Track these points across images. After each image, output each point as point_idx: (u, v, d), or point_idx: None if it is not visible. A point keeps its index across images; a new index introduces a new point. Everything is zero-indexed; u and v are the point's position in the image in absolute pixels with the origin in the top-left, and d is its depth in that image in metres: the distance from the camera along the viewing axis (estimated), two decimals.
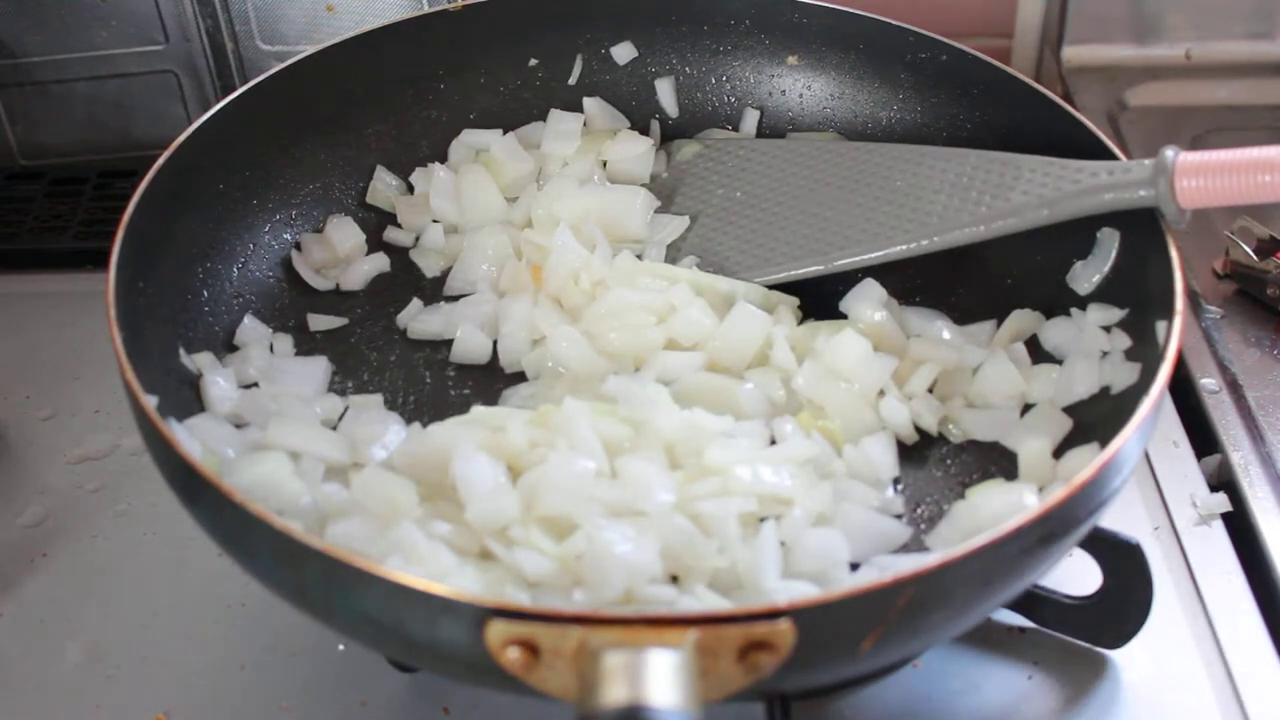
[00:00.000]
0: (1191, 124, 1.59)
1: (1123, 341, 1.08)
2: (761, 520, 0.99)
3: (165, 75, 1.53)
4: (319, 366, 1.17)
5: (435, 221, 1.30)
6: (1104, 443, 0.92)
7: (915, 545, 1.04)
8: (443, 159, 1.33)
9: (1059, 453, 1.06)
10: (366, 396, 1.16)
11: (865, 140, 1.30)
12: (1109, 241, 1.12)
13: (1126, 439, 0.90)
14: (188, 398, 1.09)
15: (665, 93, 1.37)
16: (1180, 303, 0.98)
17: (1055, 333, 1.14)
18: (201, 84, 1.54)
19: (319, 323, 1.23)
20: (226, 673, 1.07)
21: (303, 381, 1.15)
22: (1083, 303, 1.13)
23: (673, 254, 1.26)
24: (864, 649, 0.84)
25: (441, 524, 0.96)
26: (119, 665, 1.08)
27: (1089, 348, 1.10)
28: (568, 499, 0.96)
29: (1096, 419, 1.05)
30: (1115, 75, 1.68)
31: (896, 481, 1.09)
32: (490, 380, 1.19)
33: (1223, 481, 1.20)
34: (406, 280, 1.28)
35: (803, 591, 0.94)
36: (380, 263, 1.28)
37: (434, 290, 1.27)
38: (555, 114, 1.34)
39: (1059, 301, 1.15)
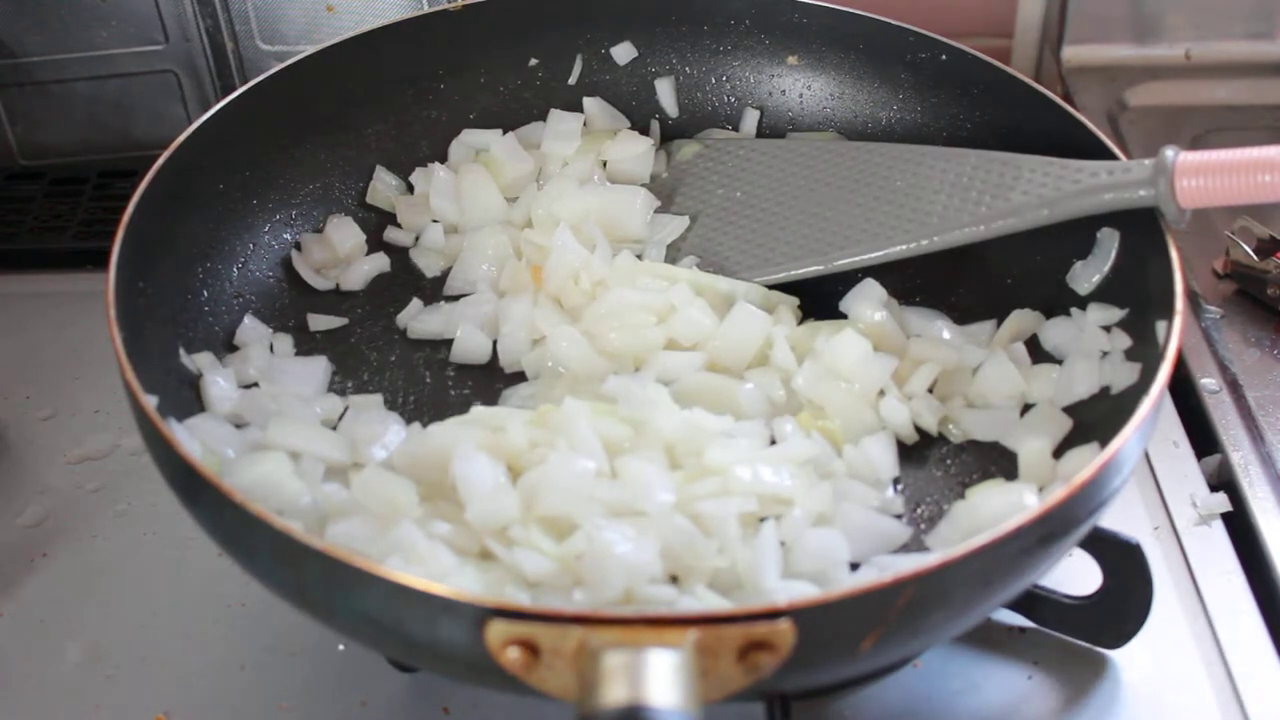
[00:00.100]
0: (1191, 124, 1.59)
1: (1123, 341, 1.08)
2: (761, 520, 0.99)
3: (165, 75, 1.53)
4: (319, 366, 1.17)
5: (435, 221, 1.30)
6: (1104, 443, 0.92)
7: (915, 545, 1.04)
8: (443, 159, 1.33)
9: (1059, 453, 1.06)
10: (366, 396, 1.16)
11: (865, 140, 1.30)
12: (1109, 241, 1.12)
13: (1126, 439, 0.90)
14: (188, 398, 1.09)
15: (665, 93, 1.37)
16: (1180, 303, 0.98)
17: (1055, 333, 1.14)
18: (201, 84, 1.54)
19: (319, 323, 1.23)
20: (226, 673, 1.07)
21: (303, 381, 1.15)
22: (1083, 303, 1.13)
23: (673, 254, 1.26)
24: (864, 649, 0.84)
25: (441, 524, 0.96)
26: (119, 665, 1.08)
27: (1089, 348, 1.10)
28: (568, 499, 0.96)
29: (1096, 419, 1.05)
30: (1115, 75, 1.68)
31: (896, 481, 1.09)
32: (490, 380, 1.19)
33: (1223, 481, 1.20)
34: (406, 280, 1.28)
35: (803, 591, 0.94)
36: (380, 263, 1.28)
37: (434, 290, 1.27)
38: (555, 114, 1.34)
39: (1059, 301, 1.15)
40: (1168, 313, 0.99)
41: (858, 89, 1.32)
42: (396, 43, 1.30)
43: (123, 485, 1.22)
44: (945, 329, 1.17)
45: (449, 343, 1.21)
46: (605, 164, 1.32)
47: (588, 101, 1.35)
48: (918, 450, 1.11)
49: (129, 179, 1.53)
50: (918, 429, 1.12)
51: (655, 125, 1.37)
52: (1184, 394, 1.28)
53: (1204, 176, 1.02)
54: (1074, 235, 1.13)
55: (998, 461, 1.09)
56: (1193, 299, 1.36)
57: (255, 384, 1.14)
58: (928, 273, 1.22)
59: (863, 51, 1.31)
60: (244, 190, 1.23)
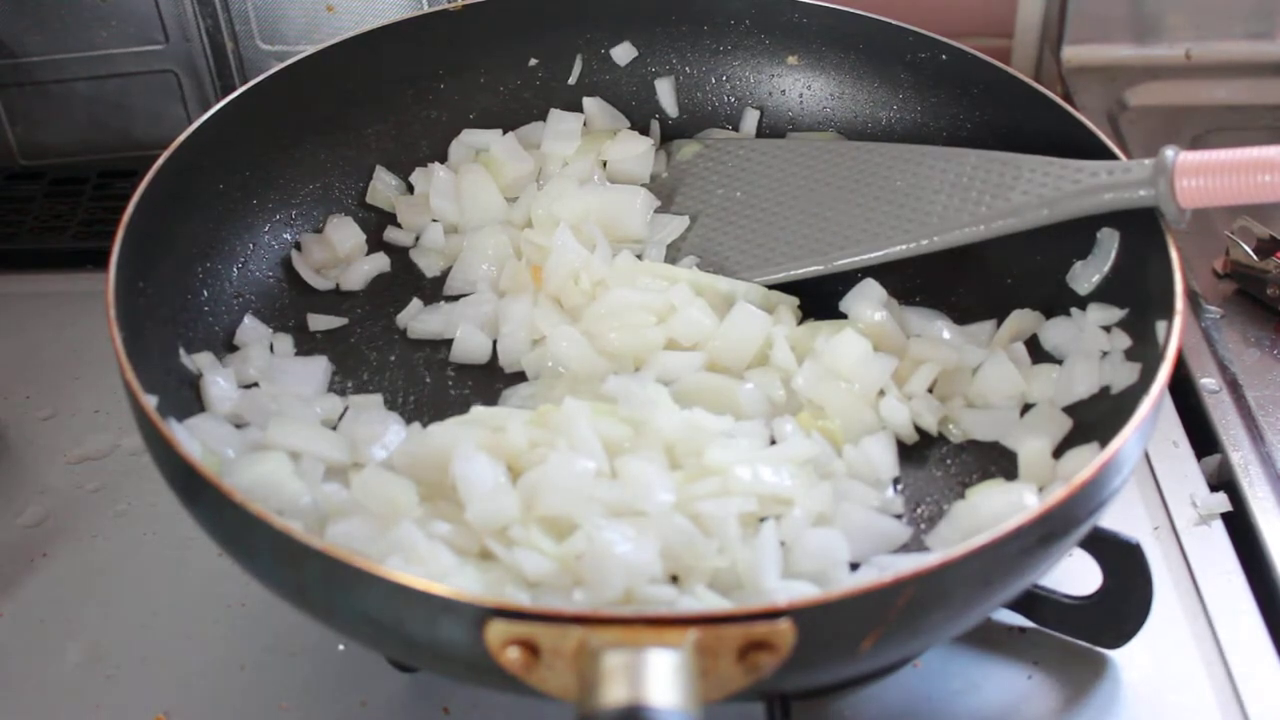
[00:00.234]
0: (1191, 124, 1.59)
1: (1123, 341, 1.08)
2: (761, 520, 0.99)
3: (165, 75, 1.53)
4: (319, 366, 1.17)
5: (435, 221, 1.30)
6: (1104, 443, 0.92)
7: (915, 545, 1.04)
8: (443, 159, 1.33)
9: (1059, 453, 1.06)
10: (366, 396, 1.16)
11: (865, 140, 1.30)
12: (1109, 241, 1.12)
13: (1126, 439, 0.90)
14: (188, 398, 1.09)
15: (665, 93, 1.37)
16: (1180, 303, 0.98)
17: (1055, 333, 1.14)
18: (201, 84, 1.54)
19: (319, 323, 1.23)
20: (226, 673, 1.07)
21: (303, 381, 1.15)
22: (1083, 303, 1.13)
23: (673, 254, 1.26)
24: (864, 649, 0.84)
25: (441, 524, 0.96)
26: (119, 665, 1.08)
27: (1089, 348, 1.10)
28: (568, 499, 0.96)
29: (1096, 419, 1.05)
30: (1115, 75, 1.68)
31: (896, 481, 1.09)
32: (490, 380, 1.19)
33: (1223, 481, 1.20)
34: (406, 280, 1.28)
35: (803, 591, 0.94)
36: (380, 263, 1.28)
37: (434, 290, 1.27)
38: (555, 114, 1.34)
39: (1059, 301, 1.15)
40: (1168, 313, 0.99)
41: (858, 89, 1.32)
42: (396, 43, 1.30)
43: (123, 485, 1.22)
44: (945, 329, 1.17)
45: (449, 343, 1.21)
46: (605, 164, 1.32)
47: (588, 101, 1.35)
48: (918, 450, 1.11)
49: (129, 179, 1.53)
50: (918, 429, 1.12)
51: (655, 125, 1.37)
52: (1184, 394, 1.28)
53: (1204, 176, 1.02)
54: (1074, 235, 1.13)
55: (998, 461, 1.09)
56: (1193, 299, 1.36)
57: (255, 384, 1.14)
58: (928, 273, 1.22)
59: (863, 51, 1.31)
60: (244, 190, 1.23)
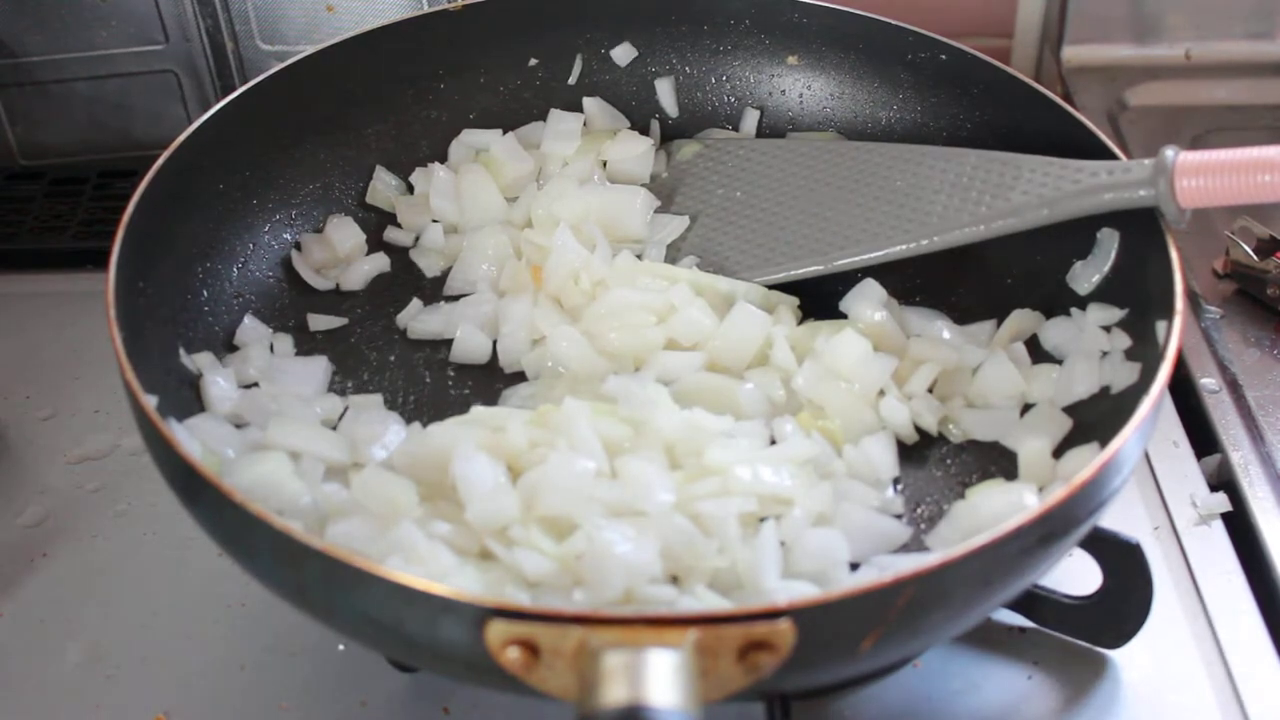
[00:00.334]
0: (1191, 124, 1.59)
1: (1123, 341, 1.08)
2: (761, 520, 0.99)
3: (165, 75, 1.54)
4: (319, 366, 1.17)
5: (435, 221, 1.30)
6: (1104, 443, 0.92)
7: (915, 545, 1.04)
8: (443, 159, 1.33)
9: (1059, 453, 1.06)
10: (366, 396, 1.16)
11: (865, 140, 1.30)
12: (1109, 241, 1.12)
13: (1126, 439, 0.90)
14: (188, 398, 1.09)
15: (665, 93, 1.37)
16: (1180, 303, 0.98)
17: (1055, 333, 1.14)
18: (201, 84, 1.54)
19: (319, 323, 1.23)
20: (226, 673, 1.07)
21: (303, 381, 1.15)
22: (1083, 303, 1.13)
23: (673, 254, 1.26)
24: (864, 649, 0.84)
25: (441, 524, 0.96)
26: (119, 665, 1.08)
27: (1089, 348, 1.10)
28: (568, 499, 0.96)
29: (1096, 419, 1.05)
30: (1115, 75, 1.68)
31: (896, 481, 1.09)
32: (490, 380, 1.19)
33: (1223, 481, 1.20)
34: (406, 280, 1.28)
35: (803, 591, 0.94)
36: (380, 263, 1.28)
37: (434, 290, 1.27)
38: (555, 114, 1.34)
39: (1059, 301, 1.15)
40: (1168, 313, 0.99)
41: (858, 89, 1.32)
42: (396, 43, 1.30)
43: (123, 485, 1.22)
44: (945, 329, 1.17)
45: (449, 343, 1.21)
46: (605, 164, 1.32)
47: (588, 101, 1.35)
48: (918, 450, 1.11)
49: (129, 179, 1.53)
50: (918, 429, 1.12)
51: (655, 125, 1.37)
52: (1184, 394, 1.28)
53: (1204, 176, 1.02)
54: (1074, 235, 1.13)
55: (998, 461, 1.09)
56: (1193, 299, 1.36)
57: (255, 384, 1.14)
58: (928, 273, 1.22)
59: (863, 51, 1.31)
60: (244, 190, 1.23)
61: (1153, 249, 1.05)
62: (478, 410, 1.09)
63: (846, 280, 1.19)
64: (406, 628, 0.84)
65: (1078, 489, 0.87)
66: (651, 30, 1.36)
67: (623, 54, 1.36)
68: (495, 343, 1.20)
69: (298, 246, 1.27)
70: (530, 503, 0.97)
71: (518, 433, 1.02)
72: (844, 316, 1.17)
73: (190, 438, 1.02)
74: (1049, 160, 1.11)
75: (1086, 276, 1.13)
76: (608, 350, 1.16)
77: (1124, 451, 0.90)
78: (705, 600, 0.93)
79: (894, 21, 1.27)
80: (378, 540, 0.94)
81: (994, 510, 1.00)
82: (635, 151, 1.32)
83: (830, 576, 0.97)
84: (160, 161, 1.11)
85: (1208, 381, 1.28)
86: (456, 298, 1.25)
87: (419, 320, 1.23)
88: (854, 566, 0.99)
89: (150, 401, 0.93)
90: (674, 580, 0.95)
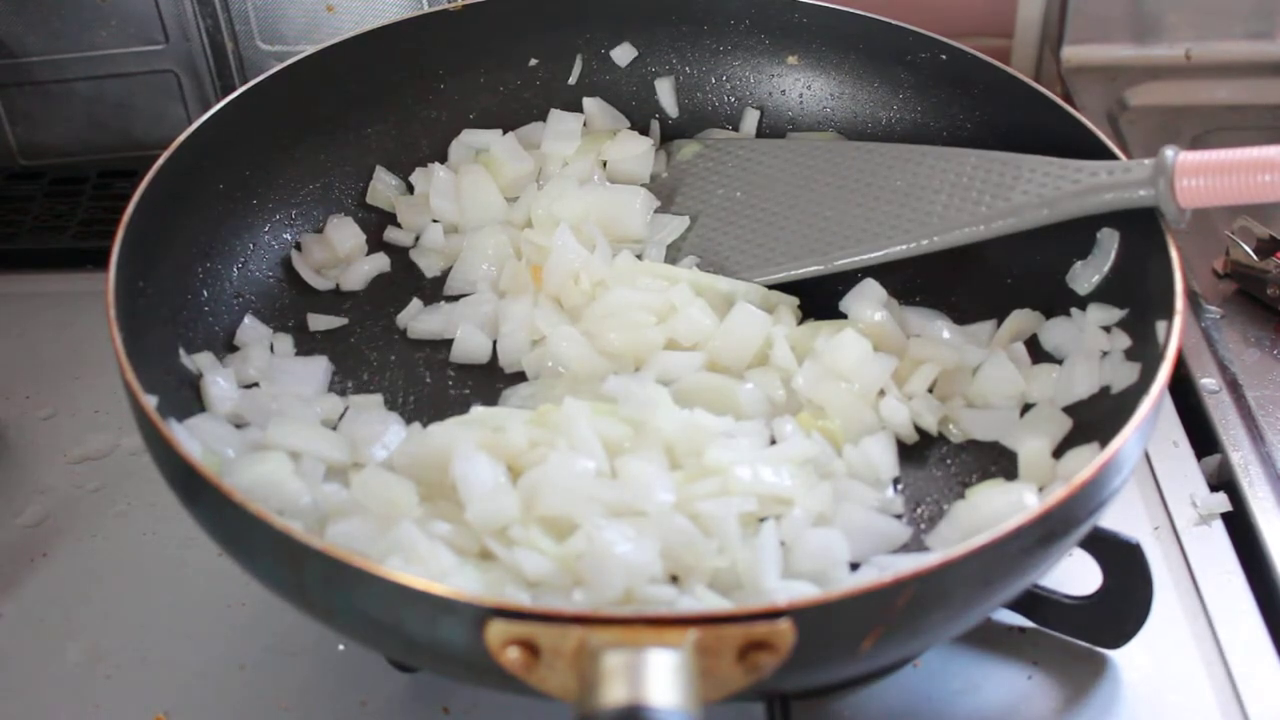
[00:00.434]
0: (1191, 124, 1.59)
1: (1123, 341, 1.08)
2: (761, 520, 0.99)
3: (165, 75, 1.54)
4: (319, 366, 1.17)
5: (435, 221, 1.30)
6: (1104, 443, 0.92)
7: (915, 545, 1.04)
8: (443, 159, 1.33)
9: (1059, 453, 1.06)
10: (366, 396, 1.16)
11: (865, 140, 1.30)
12: (1109, 241, 1.12)
13: (1126, 439, 0.90)
14: (188, 398, 1.09)
15: (665, 93, 1.37)
16: (1180, 303, 0.98)
17: (1055, 333, 1.14)
18: (201, 84, 1.54)
19: (319, 323, 1.23)
20: (226, 673, 1.07)
21: (303, 381, 1.15)
22: (1083, 303, 1.13)
23: (673, 254, 1.26)
24: (864, 649, 0.84)
25: (441, 524, 0.96)
26: (119, 665, 1.08)
27: (1089, 348, 1.10)
28: (568, 499, 0.96)
29: (1096, 419, 1.05)
30: (1115, 75, 1.68)
31: (896, 481, 1.09)
32: (490, 380, 1.19)
33: (1223, 481, 1.20)
34: (406, 280, 1.28)
35: (803, 591, 0.94)
36: (380, 263, 1.28)
37: (434, 290, 1.27)
38: (555, 114, 1.34)
39: (1059, 301, 1.15)
40: (1168, 313, 0.99)
41: (858, 89, 1.32)
42: (396, 43, 1.30)
43: (123, 485, 1.22)
44: (945, 329, 1.17)
45: (449, 343, 1.21)
46: (605, 164, 1.32)
47: (588, 101, 1.35)
48: (918, 450, 1.11)
49: (129, 179, 1.53)
50: (918, 429, 1.12)
51: (655, 125, 1.37)
52: (1184, 394, 1.28)
53: (1204, 176, 1.02)
54: (1074, 235, 1.13)
55: (998, 461, 1.09)
56: (1193, 299, 1.36)
57: (255, 384, 1.14)
58: (928, 273, 1.22)
59: (863, 51, 1.31)
60: (244, 190, 1.23)
61: (1153, 249, 1.05)
62: (478, 410, 1.09)
63: (846, 280, 1.19)
64: (406, 628, 0.84)
65: (1078, 489, 0.87)
66: (651, 30, 1.36)
67: (623, 54, 1.36)
68: (495, 343, 1.20)
69: (298, 246, 1.27)
70: (530, 503, 0.97)
71: (518, 433, 1.02)
72: (844, 316, 1.17)
73: (190, 438, 1.02)
74: (1049, 160, 1.11)
75: (1086, 276, 1.13)
76: (608, 350, 1.16)
77: (1124, 451, 0.90)
78: (705, 600, 0.93)
79: (894, 21, 1.27)
80: (378, 540, 0.94)
81: (994, 510, 1.00)
82: (635, 151, 1.32)
83: (830, 576, 0.97)
84: (160, 161, 1.11)
85: (1208, 381, 1.28)
86: (456, 298, 1.25)
87: (419, 320, 1.23)
88: (854, 566, 0.99)
89: (150, 401, 0.93)
90: (674, 580, 0.95)
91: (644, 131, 1.35)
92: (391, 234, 1.31)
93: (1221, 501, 1.17)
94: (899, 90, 1.30)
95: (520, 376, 1.18)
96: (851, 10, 1.29)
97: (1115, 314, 1.10)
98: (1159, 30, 1.69)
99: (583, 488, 0.97)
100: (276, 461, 1.02)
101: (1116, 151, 1.10)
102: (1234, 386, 1.27)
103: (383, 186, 1.32)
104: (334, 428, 1.11)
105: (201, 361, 1.12)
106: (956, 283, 1.22)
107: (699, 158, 1.33)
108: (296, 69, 1.24)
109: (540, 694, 0.81)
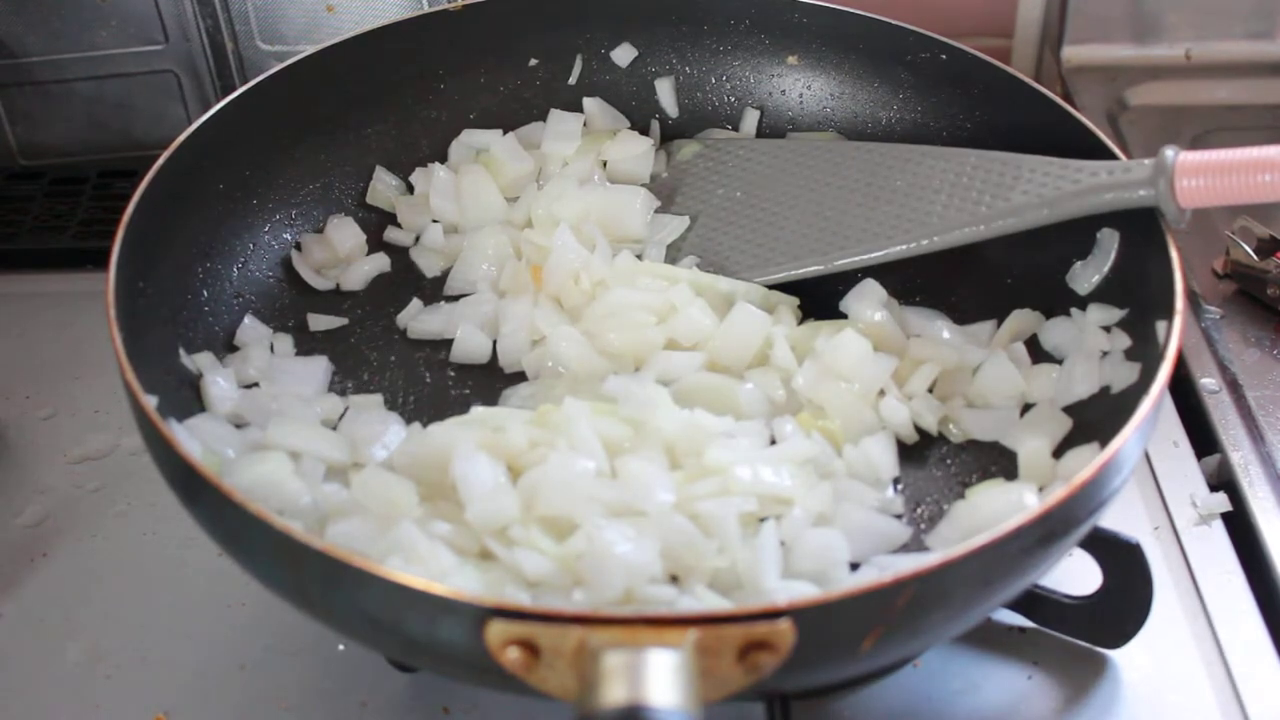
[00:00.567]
0: (1191, 124, 1.59)
1: (1123, 341, 1.08)
2: (761, 520, 0.99)
3: (165, 75, 1.53)
4: (319, 366, 1.17)
5: (435, 221, 1.30)
6: (1104, 443, 0.92)
7: (915, 545, 1.04)
8: (443, 159, 1.33)
9: (1059, 453, 1.06)
10: (366, 396, 1.16)
11: (865, 140, 1.30)
12: (1109, 241, 1.12)
13: (1126, 439, 0.90)
14: (188, 398, 1.09)
15: (665, 93, 1.37)
16: (1180, 303, 0.98)
17: (1055, 333, 1.14)
18: (201, 84, 1.54)
19: (319, 323, 1.23)
20: (226, 673, 1.07)
21: (303, 381, 1.15)
22: (1083, 303, 1.13)
23: (673, 254, 1.26)
24: (864, 649, 0.84)
25: (441, 524, 0.96)
26: (119, 665, 1.08)
27: (1089, 348, 1.10)
28: (568, 499, 0.96)
29: (1096, 419, 1.05)
30: (1115, 75, 1.68)
31: (896, 481, 1.09)
32: (490, 380, 1.19)
33: (1223, 481, 1.20)
34: (406, 280, 1.28)
35: (803, 591, 0.94)
36: (380, 263, 1.28)
37: (434, 290, 1.27)
38: (555, 114, 1.34)
39: (1059, 301, 1.15)
40: (1168, 313, 0.99)
41: (858, 89, 1.32)
42: (396, 43, 1.30)
43: (123, 485, 1.22)
44: (945, 329, 1.17)
45: (449, 343, 1.21)
46: (605, 164, 1.32)
47: (588, 101, 1.35)
48: (918, 450, 1.11)
49: (129, 179, 1.53)
50: (918, 429, 1.12)
51: (655, 125, 1.37)
52: (1184, 394, 1.28)
53: (1204, 176, 1.02)
54: (1074, 235, 1.13)
55: (998, 461, 1.09)
56: (1193, 299, 1.36)
57: (255, 384, 1.14)
58: (928, 273, 1.22)
59: (863, 51, 1.31)
60: (244, 190, 1.23)
61: (1153, 249, 1.05)
62: (478, 410, 1.09)
63: (846, 280, 1.19)
64: (406, 628, 0.84)
65: (1078, 489, 0.87)
66: (651, 30, 1.36)
67: (623, 54, 1.36)
68: (495, 343, 1.20)
69: (298, 246, 1.27)
70: (530, 503, 0.97)
71: (518, 433, 1.02)
72: (844, 316, 1.17)
73: (190, 438, 1.02)
74: (1049, 160, 1.11)
75: (1086, 276, 1.13)
76: (608, 350, 1.16)
77: (1124, 451, 0.90)
78: (705, 600, 0.93)
79: (894, 21, 1.27)
80: (378, 540, 0.94)
81: (994, 510, 1.00)
82: (635, 151, 1.32)
83: (830, 576, 0.97)
84: (160, 161, 1.11)
85: (1208, 381, 1.28)
86: (456, 298, 1.25)
87: (419, 320, 1.23)
88: (854, 566, 0.99)
89: (150, 401, 0.93)
90: (674, 580, 0.95)
91: (644, 131, 1.35)
92: (391, 234, 1.31)
93: (1221, 501, 1.17)
94: (899, 90, 1.30)
95: (520, 376, 1.18)
96: (851, 10, 1.29)
97: (1115, 314, 1.10)
98: (1159, 30, 1.69)
99: (583, 488, 0.97)
100: (276, 461, 1.02)
101: (1116, 151, 1.10)
102: (1234, 386, 1.27)
103: (383, 186, 1.32)
104: (334, 428, 1.11)
105: (201, 361, 1.12)
106: (956, 283, 1.22)
107: (699, 158, 1.33)
108: (296, 69, 1.24)
109: (540, 694, 0.81)
